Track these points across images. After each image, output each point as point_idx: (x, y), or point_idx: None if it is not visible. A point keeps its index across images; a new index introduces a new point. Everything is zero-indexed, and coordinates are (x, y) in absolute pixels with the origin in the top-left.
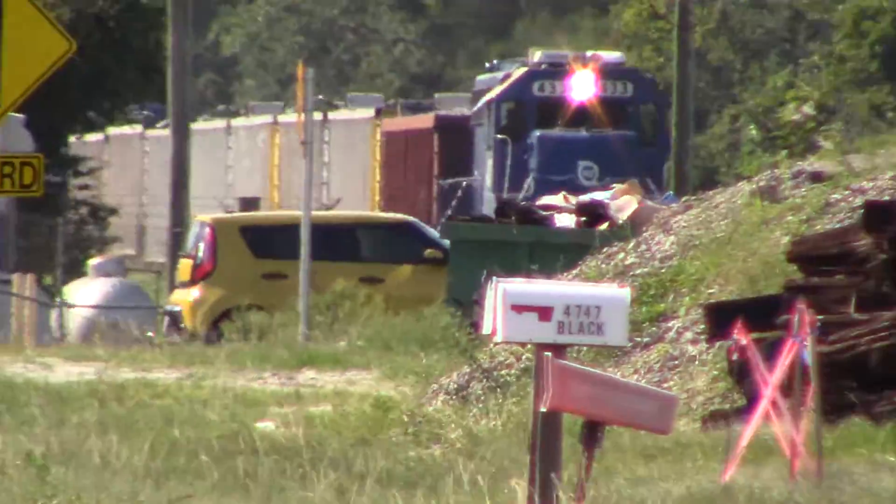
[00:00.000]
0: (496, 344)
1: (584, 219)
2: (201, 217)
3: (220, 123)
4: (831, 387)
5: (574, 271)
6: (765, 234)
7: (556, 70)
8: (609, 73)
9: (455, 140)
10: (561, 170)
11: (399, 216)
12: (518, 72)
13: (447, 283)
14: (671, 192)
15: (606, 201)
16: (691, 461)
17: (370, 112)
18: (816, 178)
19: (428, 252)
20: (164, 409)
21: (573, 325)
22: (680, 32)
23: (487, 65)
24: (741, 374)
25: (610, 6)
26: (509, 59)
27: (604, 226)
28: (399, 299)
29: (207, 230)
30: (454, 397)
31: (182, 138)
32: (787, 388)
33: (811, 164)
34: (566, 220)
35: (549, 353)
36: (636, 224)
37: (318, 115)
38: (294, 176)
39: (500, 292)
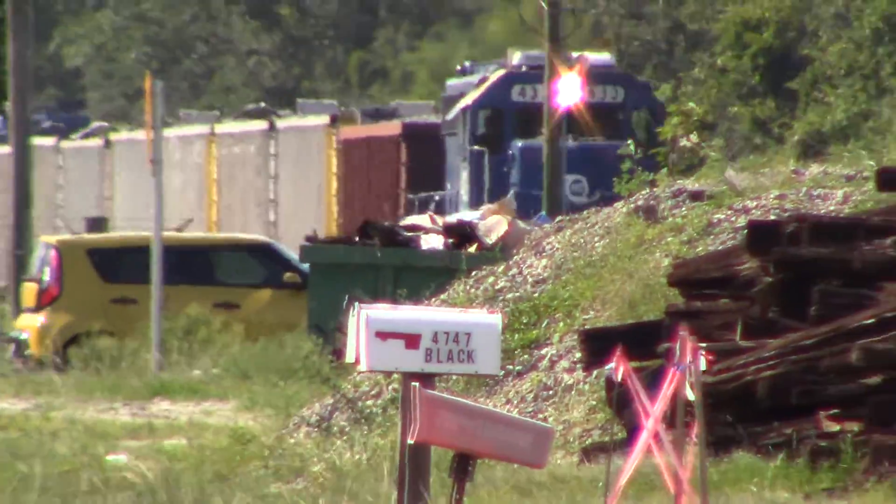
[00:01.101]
0: (360, 373)
1: (452, 240)
2: (46, 238)
3: (145, 135)
4: (716, 418)
5: (442, 296)
6: (644, 256)
7: (538, 73)
8: (597, 76)
9: (424, 150)
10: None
11: (257, 237)
12: (495, 75)
13: (308, 309)
14: (544, 213)
15: (475, 222)
16: (569, 497)
17: (324, 119)
18: (697, 197)
19: (287, 276)
20: (11, 442)
21: (442, 353)
22: (550, 44)
23: (459, 67)
24: (620, 404)
25: (474, 16)
26: (484, 60)
27: (473, 248)
28: (257, 325)
29: (52, 253)
30: (317, 429)
31: (23, 153)
32: (669, 420)
33: (692, 182)
34: (434, 242)
35: (417, 383)
36: (507, 246)
37: (263, 124)
38: (237, 192)
39: (364, 319)
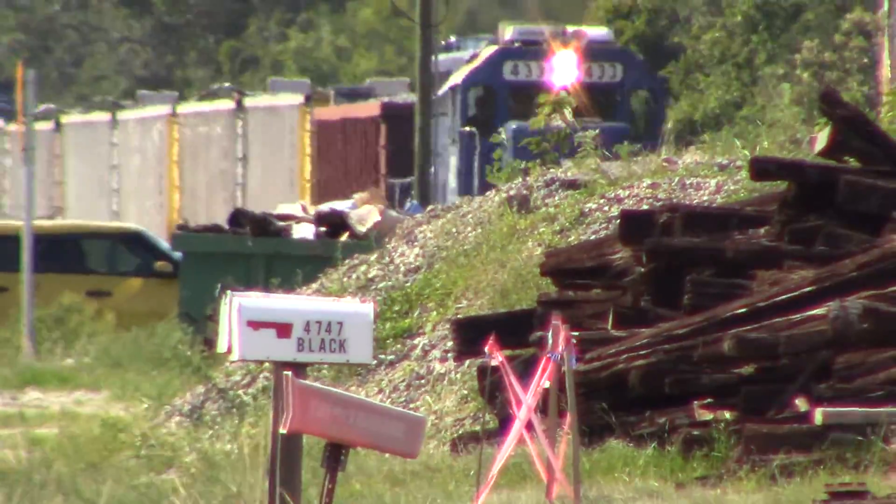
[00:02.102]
0: (232, 362)
1: (324, 229)
2: None
3: (101, 116)
4: (589, 407)
5: (314, 285)
6: (516, 246)
7: (532, 49)
8: (595, 52)
9: (405, 131)
10: None
11: (128, 225)
12: (486, 51)
13: (179, 298)
14: (416, 201)
15: (347, 211)
16: (441, 486)
17: (297, 98)
18: (570, 186)
19: (159, 264)
20: None
21: (314, 343)
22: (423, 31)
23: (444, 42)
24: (493, 393)
25: (347, 3)
26: (472, 35)
27: (345, 236)
28: (129, 314)
29: None
30: (188, 419)
31: None
32: (542, 409)
33: (565, 171)
34: (305, 231)
35: (289, 372)
36: (380, 234)
37: (229, 103)
38: (202, 175)
39: (236, 307)
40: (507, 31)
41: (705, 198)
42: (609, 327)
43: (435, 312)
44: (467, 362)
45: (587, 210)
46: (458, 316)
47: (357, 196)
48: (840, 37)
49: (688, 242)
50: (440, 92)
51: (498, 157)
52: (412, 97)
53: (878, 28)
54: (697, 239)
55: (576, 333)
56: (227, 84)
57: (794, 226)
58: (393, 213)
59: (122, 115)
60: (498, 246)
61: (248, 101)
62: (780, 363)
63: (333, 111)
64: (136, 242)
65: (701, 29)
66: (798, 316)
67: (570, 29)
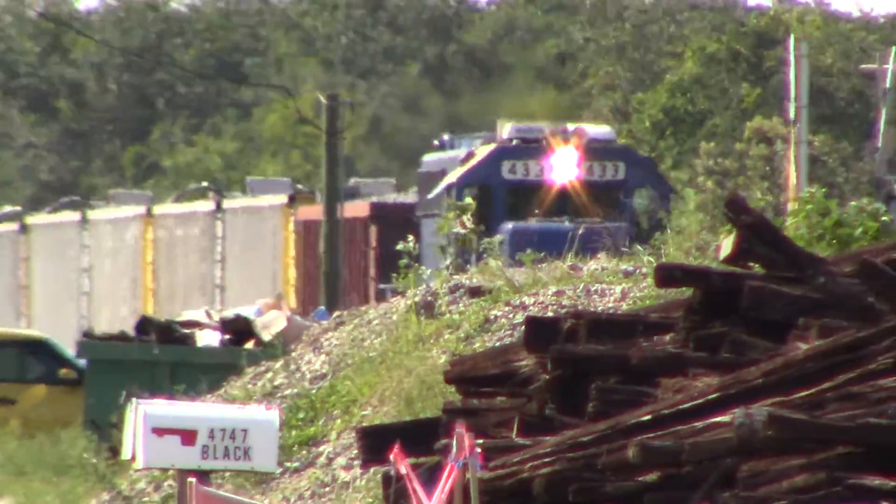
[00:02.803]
0: (137, 470)
1: (229, 336)
2: None
3: (70, 216)
4: None
5: (219, 392)
6: (421, 353)
7: (531, 147)
8: (596, 150)
9: (395, 233)
10: None
11: (33, 333)
12: (484, 150)
13: (84, 405)
14: (322, 308)
15: (252, 317)
16: None
17: (280, 198)
18: (475, 293)
19: (63, 372)
20: None
21: (218, 450)
22: (328, 138)
23: (436, 142)
24: (397, 501)
25: (253, 108)
26: (467, 134)
27: (250, 343)
28: (34, 421)
29: None
30: None
31: None
32: None
33: (469, 277)
34: (210, 338)
35: (193, 480)
36: (286, 341)
37: (208, 204)
38: (179, 277)
39: (141, 414)
40: (505, 129)
41: (610, 304)
42: (513, 435)
43: (340, 420)
44: (372, 470)
45: (492, 317)
46: (364, 424)
47: (262, 302)
48: (741, 144)
49: (593, 350)
50: (434, 192)
51: (404, 263)
52: (401, 197)
53: (778, 135)
54: (602, 346)
55: (480, 441)
56: (204, 184)
57: (699, 333)
58: (299, 319)
59: (94, 214)
60: (403, 353)
61: (228, 202)
62: (684, 471)
63: (319, 211)
64: (40, 350)
65: None
66: (702, 423)
67: (571, 126)
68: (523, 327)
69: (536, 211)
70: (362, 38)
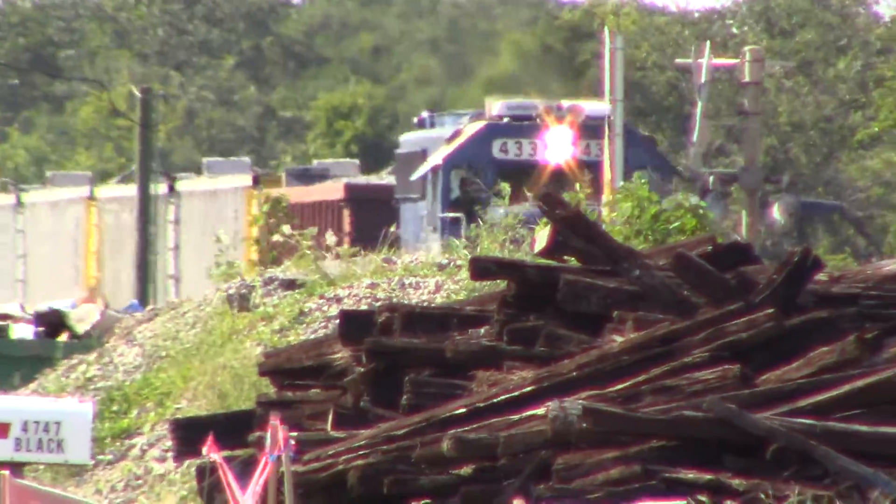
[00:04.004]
0: None
1: (42, 329)
2: None
3: (4, 199)
4: None
5: (32, 385)
6: (235, 345)
7: (523, 125)
8: (592, 129)
9: (372, 216)
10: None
11: None
12: (472, 128)
13: None
14: (135, 301)
15: (66, 310)
16: None
17: (244, 180)
18: (289, 285)
19: None
20: None
21: (31, 442)
22: (142, 130)
23: (416, 119)
24: (212, 494)
25: (66, 102)
26: (450, 111)
27: (64, 336)
28: None
29: None
30: None
31: None
32: None
33: (284, 270)
34: (24, 331)
35: (6, 472)
36: (100, 334)
37: (160, 186)
38: (126, 265)
39: None
40: (495, 106)
41: (424, 297)
42: (328, 428)
43: (154, 412)
44: (186, 463)
45: (307, 309)
46: (177, 416)
47: (77, 295)
48: None
49: (407, 343)
50: (416, 173)
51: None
52: (374, 179)
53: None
54: (417, 339)
55: (294, 434)
56: (3, 179)
57: (514, 326)
58: (113, 312)
59: (29, 197)
60: (217, 345)
61: (182, 185)
62: (499, 463)
63: (290, 193)
64: None
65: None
66: (517, 416)
67: (566, 103)
68: (338, 320)
69: (529, 193)
70: (178, 32)
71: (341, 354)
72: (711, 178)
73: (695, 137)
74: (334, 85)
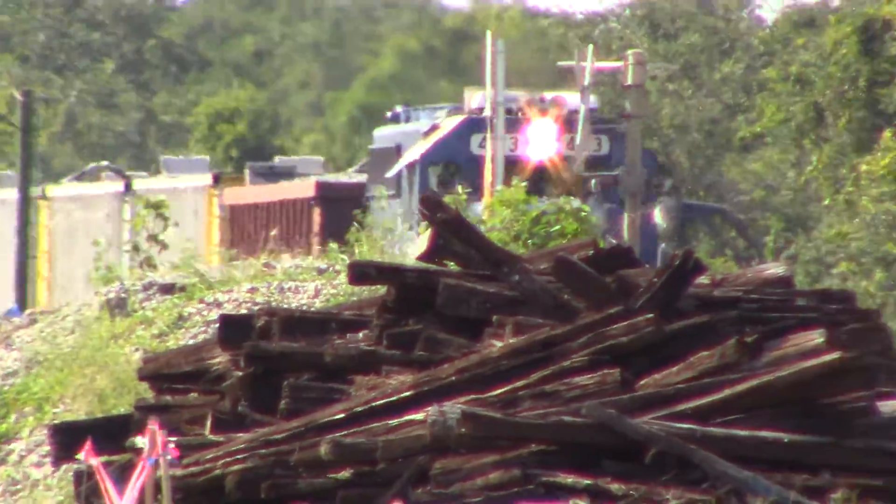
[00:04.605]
0: None
1: None
2: None
3: None
4: None
5: None
6: (115, 350)
7: (505, 118)
8: (576, 122)
9: (341, 214)
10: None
11: None
12: (450, 122)
13: None
14: (15, 306)
15: None
16: None
17: (203, 179)
18: (168, 290)
19: None
20: None
21: None
22: (23, 135)
23: (389, 113)
24: (89, 499)
25: None
26: (426, 105)
27: None
28: None
29: None
30: None
31: None
32: None
33: (163, 275)
34: None
35: None
36: None
37: (116, 185)
38: (80, 267)
39: None
40: (474, 99)
41: (304, 301)
42: (206, 432)
43: (32, 417)
44: (64, 468)
45: (186, 314)
46: (56, 421)
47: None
48: None
49: (286, 347)
50: (392, 170)
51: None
52: (342, 177)
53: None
54: (296, 343)
55: (173, 439)
56: (104, 163)
57: (393, 330)
58: None
59: None
60: (96, 350)
61: (139, 184)
62: (378, 468)
63: (252, 192)
64: None
65: (303, 132)
66: (396, 421)
67: (548, 95)
68: (217, 324)
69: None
70: (59, 35)
71: (220, 359)
72: (593, 182)
73: (577, 141)
74: (216, 88)
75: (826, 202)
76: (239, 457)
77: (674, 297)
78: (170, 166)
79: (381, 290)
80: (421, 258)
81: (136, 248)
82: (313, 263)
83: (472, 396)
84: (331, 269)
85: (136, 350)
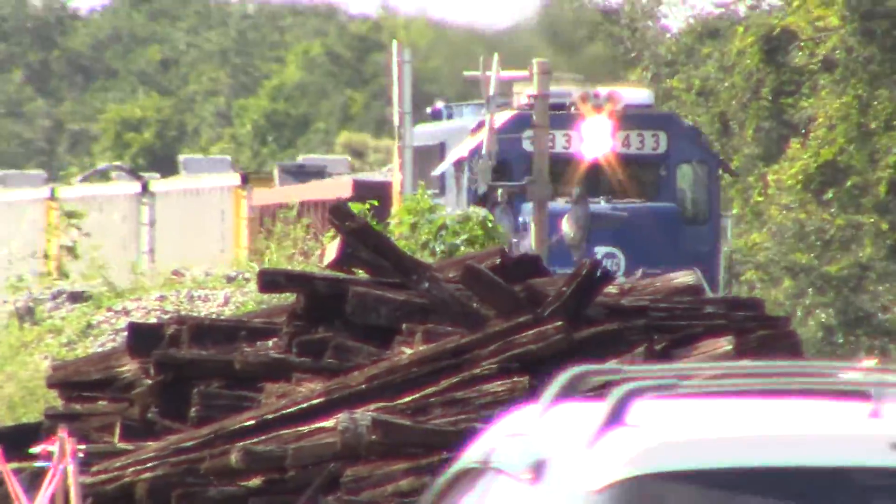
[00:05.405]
0: None
1: None
2: None
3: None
4: None
5: None
6: (23, 358)
7: (557, 115)
8: (633, 118)
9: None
10: (570, 257)
11: None
12: (500, 118)
13: None
14: None
15: None
16: None
17: (231, 178)
18: (77, 298)
19: None
20: None
21: None
22: None
23: (430, 109)
24: None
25: None
26: (471, 100)
27: None
28: None
29: None
30: None
31: None
32: None
33: (72, 283)
34: None
35: None
36: None
37: (132, 186)
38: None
39: None
40: (523, 94)
41: (213, 310)
42: (116, 440)
43: None
44: None
45: (94, 322)
46: None
47: None
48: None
49: (196, 354)
50: (439, 168)
51: None
52: (378, 176)
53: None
54: (206, 351)
55: (83, 446)
56: (117, 163)
57: (302, 338)
58: None
59: None
60: (5, 358)
61: (157, 185)
62: (288, 475)
63: (283, 193)
64: None
65: (210, 141)
66: (307, 428)
67: (603, 90)
68: (126, 332)
69: (565, 190)
70: None
71: (129, 367)
72: (500, 191)
73: (483, 150)
74: (123, 97)
75: (735, 211)
76: (149, 465)
77: (582, 306)
78: (189, 166)
79: (291, 297)
80: (330, 266)
81: (46, 256)
82: (223, 271)
83: (383, 404)
84: (240, 276)
85: (45, 358)
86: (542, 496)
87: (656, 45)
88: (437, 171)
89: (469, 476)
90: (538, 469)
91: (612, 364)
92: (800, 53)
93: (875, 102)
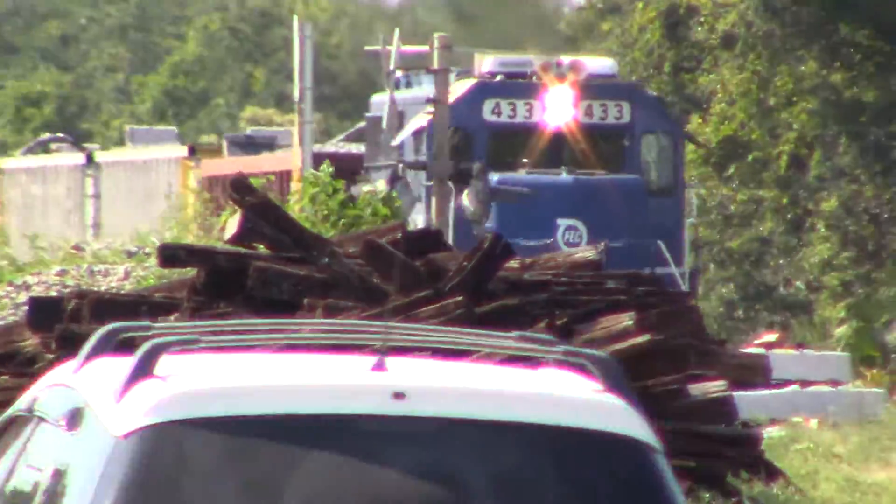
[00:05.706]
0: None
1: None
2: None
3: None
4: None
5: None
6: None
7: (518, 84)
8: (597, 88)
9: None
10: (532, 230)
11: None
12: (460, 86)
13: None
14: None
15: None
16: None
17: (177, 150)
18: None
19: None
20: None
21: None
22: None
23: (387, 76)
24: None
25: None
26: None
27: None
28: None
29: None
30: None
31: None
32: None
33: None
34: None
35: None
36: None
37: (76, 157)
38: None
39: None
40: (485, 62)
41: (114, 284)
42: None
43: None
44: None
45: None
46: None
47: None
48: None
49: (96, 329)
50: (397, 139)
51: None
52: (329, 147)
53: (274, 123)
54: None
55: None
56: (59, 134)
57: (203, 312)
58: None
59: None
60: None
61: (102, 155)
62: None
63: (235, 164)
64: None
65: (112, 116)
66: None
67: (566, 59)
68: (26, 307)
69: (526, 160)
70: None
71: (31, 341)
72: (401, 166)
73: (384, 124)
74: (23, 73)
75: None
76: None
77: (483, 280)
78: (135, 137)
79: (192, 272)
80: (230, 241)
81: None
82: (123, 246)
83: None
84: (141, 251)
85: None
86: (76, 442)
87: (558, 18)
88: (395, 142)
89: (17, 423)
90: (73, 417)
91: (142, 322)
92: (700, 28)
93: (776, 78)
